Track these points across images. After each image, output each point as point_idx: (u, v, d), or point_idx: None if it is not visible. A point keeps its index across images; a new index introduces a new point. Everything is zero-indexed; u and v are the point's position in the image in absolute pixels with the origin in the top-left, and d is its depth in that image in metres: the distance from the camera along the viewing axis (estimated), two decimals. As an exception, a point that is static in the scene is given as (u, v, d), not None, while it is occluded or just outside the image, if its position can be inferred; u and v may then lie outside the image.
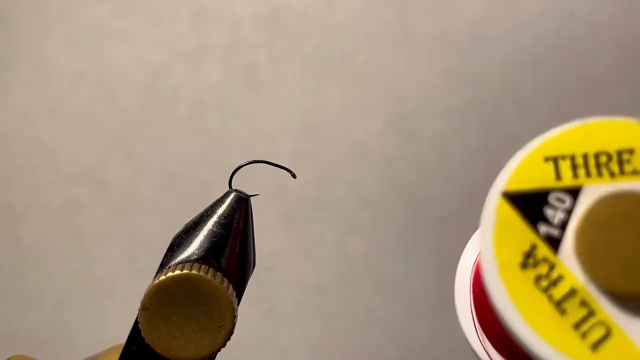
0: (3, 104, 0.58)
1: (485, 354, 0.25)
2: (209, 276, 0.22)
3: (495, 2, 0.53)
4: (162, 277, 0.22)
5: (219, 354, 0.24)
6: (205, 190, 0.56)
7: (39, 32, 0.57)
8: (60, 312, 0.58)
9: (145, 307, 0.22)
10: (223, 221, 0.24)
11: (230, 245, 0.24)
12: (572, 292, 0.19)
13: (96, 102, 0.57)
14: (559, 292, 0.19)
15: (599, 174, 0.21)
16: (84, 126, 0.57)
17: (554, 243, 0.20)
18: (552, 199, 0.20)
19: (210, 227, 0.24)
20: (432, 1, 0.53)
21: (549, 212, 0.20)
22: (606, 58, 0.52)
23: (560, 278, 0.19)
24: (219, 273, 0.23)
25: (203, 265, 0.23)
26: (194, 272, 0.22)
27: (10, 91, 0.58)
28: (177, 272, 0.22)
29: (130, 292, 0.57)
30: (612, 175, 0.20)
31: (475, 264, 0.27)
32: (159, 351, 0.22)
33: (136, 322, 0.23)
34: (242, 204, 0.25)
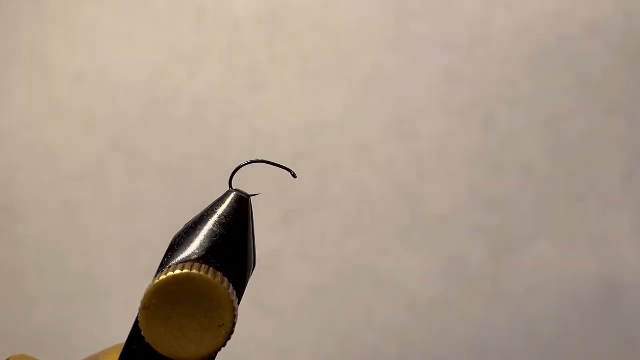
0: (3, 104, 0.58)
1: None
2: (209, 276, 0.22)
3: (495, 3, 0.53)
4: (163, 277, 0.22)
5: (219, 353, 0.24)
6: (205, 190, 0.56)
7: (39, 32, 0.57)
8: (60, 312, 0.58)
9: (145, 307, 0.22)
10: (223, 221, 0.24)
11: (231, 245, 0.24)
12: None
13: (96, 102, 0.57)
14: None
15: None
16: (84, 126, 0.57)
17: None
18: None
19: (211, 226, 0.24)
20: (432, 1, 0.53)
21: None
22: (606, 58, 0.52)
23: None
24: (219, 273, 0.22)
25: (203, 265, 0.23)
26: (194, 271, 0.22)
27: (10, 91, 0.58)
28: (178, 271, 0.22)
29: (130, 292, 0.57)
30: None
31: None
32: (159, 350, 0.22)
33: (136, 322, 0.23)
34: (243, 203, 0.25)
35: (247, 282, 0.25)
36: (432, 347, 0.55)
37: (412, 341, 0.55)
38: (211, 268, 0.23)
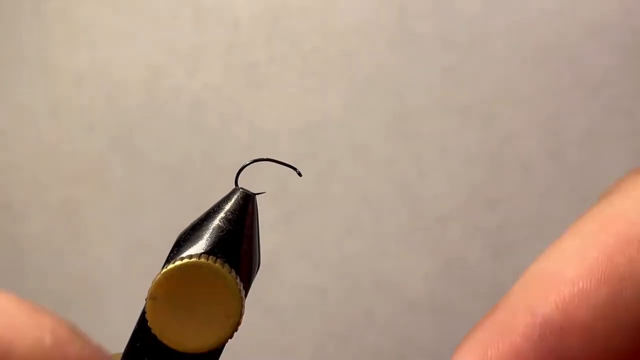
0: (3, 104, 0.58)
1: None
2: (217, 265, 0.22)
3: (495, 2, 0.53)
4: (171, 266, 0.22)
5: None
6: (205, 190, 0.56)
7: (39, 32, 0.57)
8: (60, 312, 0.58)
9: (152, 297, 0.22)
10: (230, 217, 0.24)
11: (237, 241, 0.24)
12: None
13: (96, 102, 0.57)
14: None
15: None
16: (84, 126, 0.57)
17: None
18: None
19: (217, 222, 0.24)
20: (432, 1, 0.54)
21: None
22: (606, 58, 0.52)
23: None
24: (226, 264, 0.23)
25: (211, 256, 0.23)
26: (202, 260, 0.22)
27: (10, 91, 0.58)
28: (186, 260, 0.22)
29: (130, 292, 0.57)
30: None
31: None
32: (165, 342, 0.22)
33: (142, 316, 0.23)
34: (249, 201, 0.25)
35: (253, 279, 0.25)
36: (432, 347, 0.55)
37: (412, 341, 0.55)
38: (219, 259, 0.23)
